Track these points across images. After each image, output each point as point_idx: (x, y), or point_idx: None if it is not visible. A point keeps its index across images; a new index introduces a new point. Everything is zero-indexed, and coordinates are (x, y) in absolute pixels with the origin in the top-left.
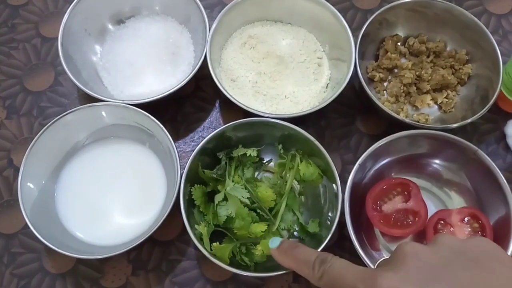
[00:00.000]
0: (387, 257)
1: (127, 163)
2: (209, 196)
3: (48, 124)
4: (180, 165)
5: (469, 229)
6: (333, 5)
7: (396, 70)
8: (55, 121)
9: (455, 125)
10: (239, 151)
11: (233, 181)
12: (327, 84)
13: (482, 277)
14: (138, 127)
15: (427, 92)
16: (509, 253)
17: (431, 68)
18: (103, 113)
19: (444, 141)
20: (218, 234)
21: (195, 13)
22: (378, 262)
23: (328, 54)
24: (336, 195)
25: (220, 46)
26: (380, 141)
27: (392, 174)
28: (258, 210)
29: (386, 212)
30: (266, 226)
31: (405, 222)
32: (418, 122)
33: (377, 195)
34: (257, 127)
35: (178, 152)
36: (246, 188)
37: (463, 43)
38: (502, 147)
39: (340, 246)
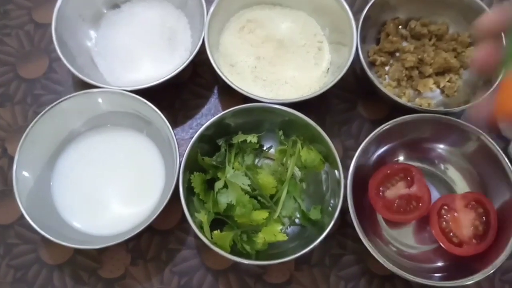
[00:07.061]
0: None
1: (125, 151)
2: (209, 184)
3: (44, 111)
4: (179, 153)
5: (474, 214)
6: None
7: (397, 54)
8: (50, 108)
9: (458, 109)
10: (239, 138)
11: (233, 168)
12: (328, 68)
13: None
14: (135, 114)
15: (430, 76)
16: None
17: (433, 51)
18: (100, 100)
19: (448, 125)
20: (218, 222)
21: None
22: None
23: (328, 38)
24: (339, 181)
25: (218, 31)
26: (383, 125)
27: (395, 159)
28: (259, 198)
29: (388, 198)
30: (268, 213)
31: (408, 208)
32: (421, 106)
33: (379, 180)
34: (257, 113)
35: (176, 140)
36: (246, 175)
37: (466, 26)
38: None
39: (343, 233)
